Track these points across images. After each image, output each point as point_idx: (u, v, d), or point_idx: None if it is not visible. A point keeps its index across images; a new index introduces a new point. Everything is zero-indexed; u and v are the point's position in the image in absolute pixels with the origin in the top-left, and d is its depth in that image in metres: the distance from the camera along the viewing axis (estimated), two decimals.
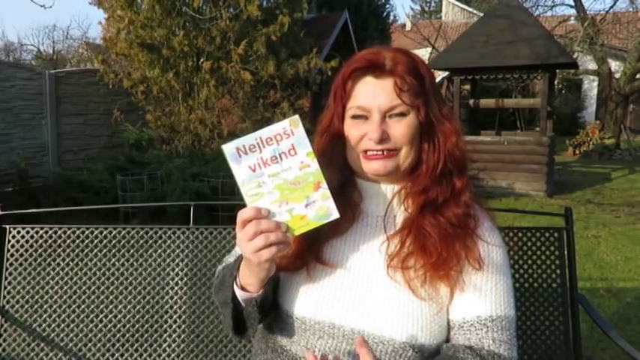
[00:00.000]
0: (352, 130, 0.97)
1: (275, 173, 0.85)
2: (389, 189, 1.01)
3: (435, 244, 0.93)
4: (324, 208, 0.85)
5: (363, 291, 0.93)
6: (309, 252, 0.96)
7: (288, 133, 0.85)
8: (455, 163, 0.97)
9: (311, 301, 0.94)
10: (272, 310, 0.98)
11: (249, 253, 0.84)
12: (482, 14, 11.26)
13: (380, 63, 0.95)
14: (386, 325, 0.90)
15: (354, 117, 0.97)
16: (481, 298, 0.94)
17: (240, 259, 0.93)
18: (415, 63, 0.96)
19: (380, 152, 0.94)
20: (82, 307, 1.62)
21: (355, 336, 0.91)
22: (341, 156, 1.00)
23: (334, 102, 1.00)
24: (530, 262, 1.65)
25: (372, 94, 0.95)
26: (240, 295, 0.94)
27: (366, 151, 0.96)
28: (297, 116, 0.86)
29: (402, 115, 0.94)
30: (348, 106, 0.98)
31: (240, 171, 0.85)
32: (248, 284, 0.92)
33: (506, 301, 0.96)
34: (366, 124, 0.95)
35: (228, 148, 0.85)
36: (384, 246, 0.96)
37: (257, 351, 1.05)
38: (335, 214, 0.86)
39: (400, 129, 0.94)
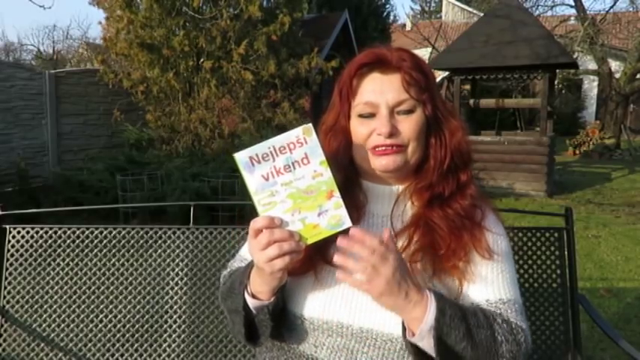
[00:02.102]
0: (359, 127, 0.97)
1: (288, 182, 0.85)
2: (394, 189, 1.02)
3: (444, 237, 0.93)
4: (336, 217, 0.86)
5: None
6: (317, 254, 0.95)
7: (302, 142, 0.85)
8: (461, 158, 0.99)
9: (319, 301, 0.94)
10: (284, 317, 0.98)
11: (262, 263, 0.84)
12: (482, 14, 11.25)
13: (387, 59, 0.96)
14: (393, 323, 0.90)
15: (361, 115, 0.97)
16: (488, 286, 0.95)
17: (250, 266, 0.93)
18: (419, 60, 0.98)
19: (389, 147, 0.94)
20: (82, 307, 1.62)
21: (364, 335, 0.92)
22: (346, 156, 1.00)
23: (340, 100, 1.00)
24: (530, 262, 1.64)
25: (380, 89, 0.95)
26: (251, 303, 0.94)
27: (374, 148, 0.96)
28: (310, 125, 0.85)
29: (410, 111, 0.95)
30: (354, 103, 0.98)
31: (253, 180, 0.85)
32: (259, 292, 0.92)
33: (514, 287, 0.97)
34: (373, 121, 0.95)
35: (241, 157, 0.84)
36: None
37: (262, 349, 1.05)
38: (347, 223, 0.86)
39: (408, 125, 0.95)
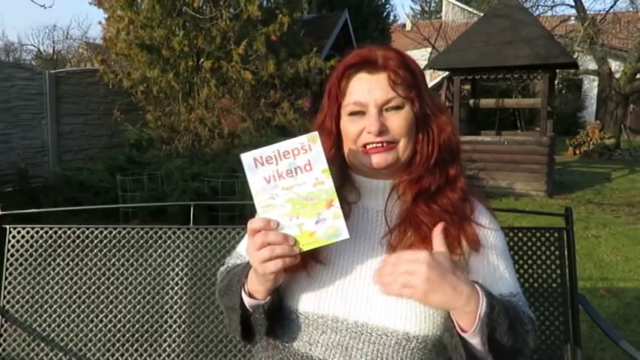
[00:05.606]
0: (350, 126, 0.99)
1: (289, 187, 0.86)
2: (387, 184, 1.03)
3: (430, 233, 0.94)
4: (334, 227, 0.86)
5: (366, 284, 0.94)
6: (306, 254, 0.95)
7: (306, 149, 0.86)
8: (450, 152, 1.00)
9: (314, 296, 0.95)
10: (279, 317, 0.99)
11: (256, 264, 0.85)
12: (482, 14, 11.25)
13: (372, 59, 0.98)
14: (389, 317, 0.91)
15: (352, 114, 0.99)
16: (498, 281, 0.96)
17: (248, 265, 0.94)
18: (405, 58, 0.99)
19: (380, 145, 0.96)
20: (82, 307, 1.62)
21: (359, 329, 0.92)
22: (338, 154, 1.02)
23: (328, 101, 1.02)
24: (530, 262, 1.65)
25: (368, 88, 0.97)
26: (247, 301, 0.95)
27: (365, 145, 0.97)
28: (316, 133, 0.87)
29: (398, 108, 0.97)
30: (344, 104, 1.00)
31: (255, 181, 0.86)
32: (255, 291, 0.93)
33: (516, 280, 1.00)
34: (363, 119, 0.97)
35: (246, 158, 0.86)
36: (386, 239, 0.98)
37: (258, 348, 1.06)
38: (345, 235, 0.86)
39: (397, 121, 0.96)
